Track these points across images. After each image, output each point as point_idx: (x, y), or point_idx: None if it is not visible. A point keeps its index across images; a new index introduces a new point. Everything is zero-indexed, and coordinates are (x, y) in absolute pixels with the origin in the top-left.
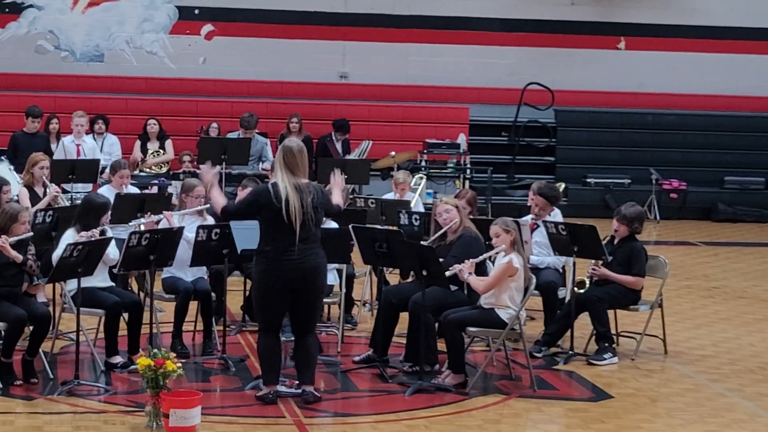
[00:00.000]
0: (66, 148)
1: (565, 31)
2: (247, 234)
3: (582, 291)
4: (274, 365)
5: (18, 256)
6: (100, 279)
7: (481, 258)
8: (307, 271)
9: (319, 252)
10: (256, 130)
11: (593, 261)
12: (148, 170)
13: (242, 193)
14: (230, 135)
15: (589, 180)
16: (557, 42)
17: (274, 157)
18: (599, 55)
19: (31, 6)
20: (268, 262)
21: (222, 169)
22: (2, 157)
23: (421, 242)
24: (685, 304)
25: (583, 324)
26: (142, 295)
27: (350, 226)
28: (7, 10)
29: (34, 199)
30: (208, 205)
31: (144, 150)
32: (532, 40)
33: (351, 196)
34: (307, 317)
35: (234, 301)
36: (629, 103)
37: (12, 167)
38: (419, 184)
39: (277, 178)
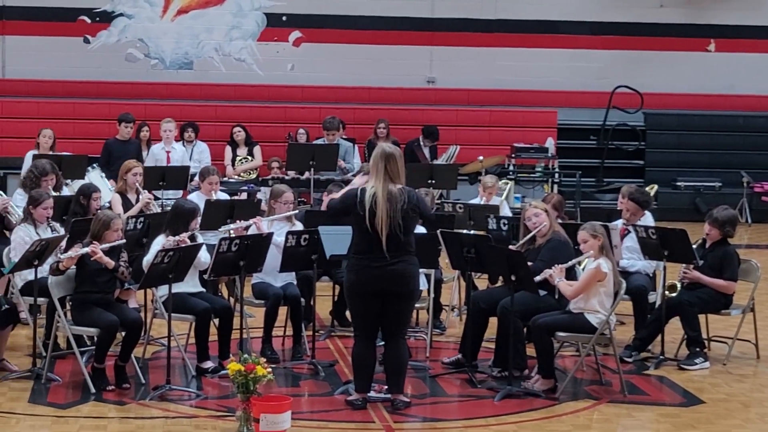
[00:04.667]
0: (155, 155)
1: (654, 33)
2: (335, 239)
3: (673, 295)
4: (366, 372)
5: (110, 262)
6: (190, 285)
7: (570, 263)
8: (394, 277)
9: (408, 259)
10: (341, 134)
11: (684, 265)
12: (237, 177)
13: (327, 198)
14: (316, 141)
15: (679, 183)
16: (646, 45)
17: (358, 161)
18: (689, 58)
19: (121, 15)
20: (356, 270)
21: (311, 175)
22: (94, 165)
23: (510, 247)
24: None
25: (674, 328)
26: (232, 300)
27: (438, 231)
28: (97, 19)
29: (127, 205)
30: (296, 211)
31: (233, 156)
32: (621, 43)
33: (438, 201)
34: (396, 322)
35: (323, 306)
36: (719, 106)
37: (103, 174)
38: (505, 188)
39: (369, 184)
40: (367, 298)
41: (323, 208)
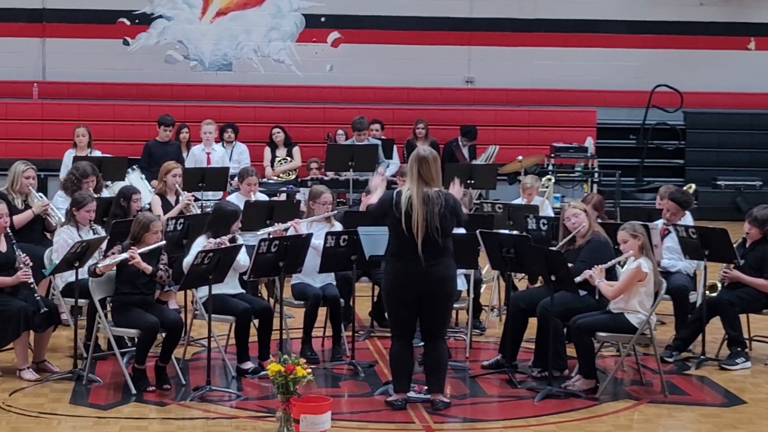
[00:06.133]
0: (195, 156)
1: (693, 32)
2: (374, 240)
3: (714, 295)
4: (405, 373)
5: (148, 267)
6: (230, 286)
7: (610, 264)
8: (431, 280)
9: (444, 261)
10: (380, 134)
11: (725, 264)
12: (276, 178)
13: (366, 199)
14: (345, 142)
15: (719, 182)
16: (686, 43)
17: (397, 160)
18: (729, 56)
19: (160, 17)
20: (392, 271)
21: (350, 175)
22: (134, 166)
23: (550, 247)
24: None
25: (715, 328)
26: (271, 301)
27: (478, 232)
28: (137, 21)
29: (167, 207)
30: (336, 212)
31: (272, 157)
32: (660, 42)
33: (477, 201)
34: (434, 324)
35: (362, 307)
36: (760, 104)
37: (143, 176)
38: (547, 187)
39: (405, 187)
40: (404, 300)
41: (362, 208)
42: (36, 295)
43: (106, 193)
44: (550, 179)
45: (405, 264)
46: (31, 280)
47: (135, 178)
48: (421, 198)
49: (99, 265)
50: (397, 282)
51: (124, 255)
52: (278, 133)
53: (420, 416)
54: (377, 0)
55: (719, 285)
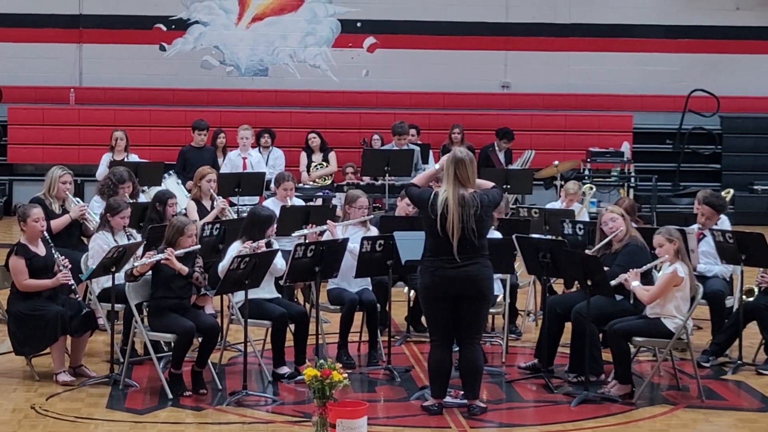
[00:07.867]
0: (232, 161)
1: (730, 36)
2: (411, 245)
3: (750, 299)
4: (443, 379)
5: (183, 269)
6: (266, 291)
7: (645, 268)
8: (467, 280)
9: (481, 261)
10: (416, 139)
11: (762, 269)
12: (312, 182)
13: (402, 203)
14: (385, 146)
15: (756, 187)
16: (722, 48)
17: (425, 164)
18: (765, 60)
19: (196, 22)
20: (429, 272)
21: (386, 180)
22: (170, 171)
23: (586, 251)
24: None
25: (752, 333)
26: (308, 306)
27: (514, 236)
28: (173, 26)
29: (202, 212)
30: (371, 216)
31: (308, 162)
32: (697, 47)
33: (513, 206)
34: (470, 327)
35: (399, 312)
36: None
37: (180, 181)
38: (589, 193)
39: (441, 188)
40: (441, 301)
41: (399, 212)
42: (76, 296)
43: (142, 198)
44: (591, 188)
45: (442, 263)
46: (72, 281)
47: (171, 183)
48: (457, 200)
49: (136, 264)
50: (434, 281)
51: (161, 255)
52: (314, 138)
53: (456, 421)
54: (413, 5)
55: (756, 290)
